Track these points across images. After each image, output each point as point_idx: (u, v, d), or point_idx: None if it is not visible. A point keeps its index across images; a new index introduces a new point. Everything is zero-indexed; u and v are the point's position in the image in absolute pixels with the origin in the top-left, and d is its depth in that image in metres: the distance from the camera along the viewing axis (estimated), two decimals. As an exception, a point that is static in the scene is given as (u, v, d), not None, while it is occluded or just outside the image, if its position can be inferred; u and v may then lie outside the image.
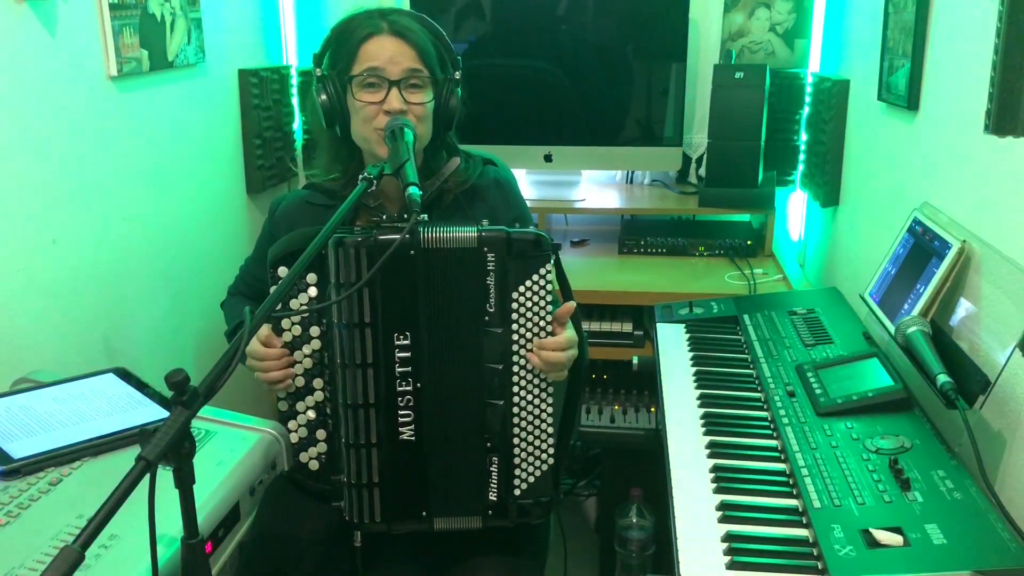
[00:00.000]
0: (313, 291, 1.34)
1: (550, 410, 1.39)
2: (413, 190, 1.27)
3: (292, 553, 1.46)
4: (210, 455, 1.29)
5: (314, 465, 1.39)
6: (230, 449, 1.31)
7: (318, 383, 1.38)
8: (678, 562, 1.13)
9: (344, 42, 1.47)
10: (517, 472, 1.39)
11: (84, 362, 1.74)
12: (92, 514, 0.83)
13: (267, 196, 2.65)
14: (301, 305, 1.34)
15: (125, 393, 1.44)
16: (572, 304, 1.37)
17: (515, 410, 1.38)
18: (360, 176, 1.29)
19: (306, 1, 2.71)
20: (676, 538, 1.17)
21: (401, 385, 1.35)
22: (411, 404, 1.35)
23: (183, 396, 0.92)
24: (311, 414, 1.38)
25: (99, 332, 1.83)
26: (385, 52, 1.44)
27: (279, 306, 1.30)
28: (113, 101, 1.85)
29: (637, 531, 2.08)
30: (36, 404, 1.38)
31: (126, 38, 1.84)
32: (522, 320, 1.35)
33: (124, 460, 1.25)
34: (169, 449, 0.91)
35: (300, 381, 1.38)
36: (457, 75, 1.49)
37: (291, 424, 1.39)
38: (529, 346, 1.35)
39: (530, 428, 1.38)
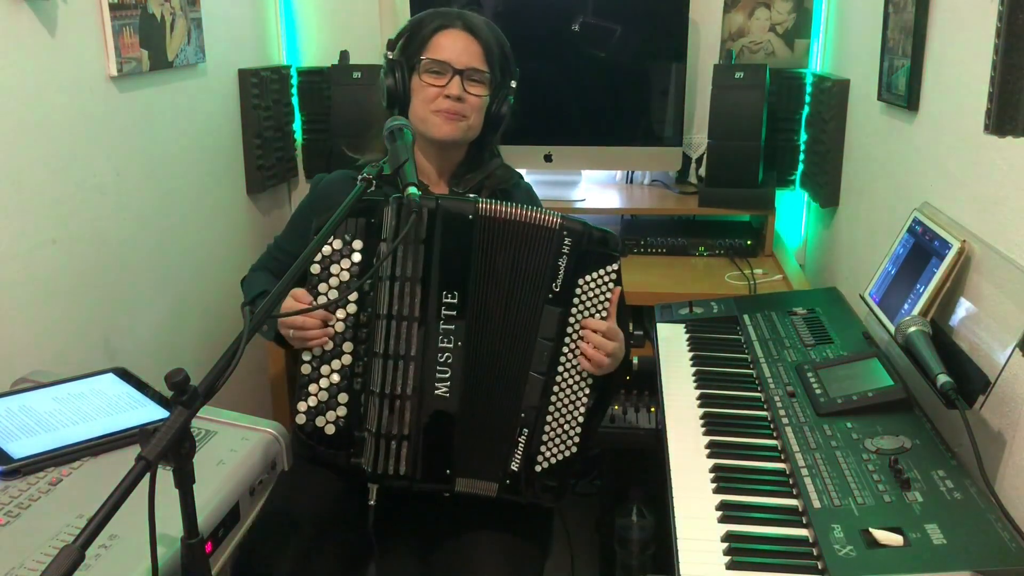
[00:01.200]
0: (357, 257, 1.38)
1: (586, 399, 1.43)
2: (412, 190, 1.30)
3: (302, 531, 1.45)
4: (210, 455, 1.29)
5: (330, 429, 1.39)
6: (230, 449, 1.31)
7: (347, 347, 1.39)
8: (678, 562, 1.13)
9: (419, 31, 1.59)
10: (543, 449, 1.42)
11: (84, 362, 1.74)
12: (92, 514, 0.83)
13: (267, 196, 2.65)
14: (343, 270, 1.38)
15: (125, 393, 1.44)
16: (618, 290, 1.43)
17: (555, 388, 1.41)
18: (359, 176, 1.32)
19: (306, 1, 2.72)
20: (676, 538, 1.17)
21: (443, 342, 1.38)
22: (450, 361, 1.39)
23: (183, 396, 0.92)
24: (335, 377, 1.39)
25: (99, 332, 1.83)
26: (456, 44, 1.56)
27: (317, 271, 1.37)
28: (113, 101, 1.85)
29: (637, 531, 2.08)
30: (36, 404, 1.38)
31: (126, 38, 1.84)
32: (581, 306, 1.41)
33: (124, 460, 1.26)
34: (169, 449, 0.91)
35: (329, 344, 1.39)
36: (513, 84, 1.62)
37: (311, 388, 1.39)
38: (583, 332, 1.41)
39: (564, 411, 1.42)
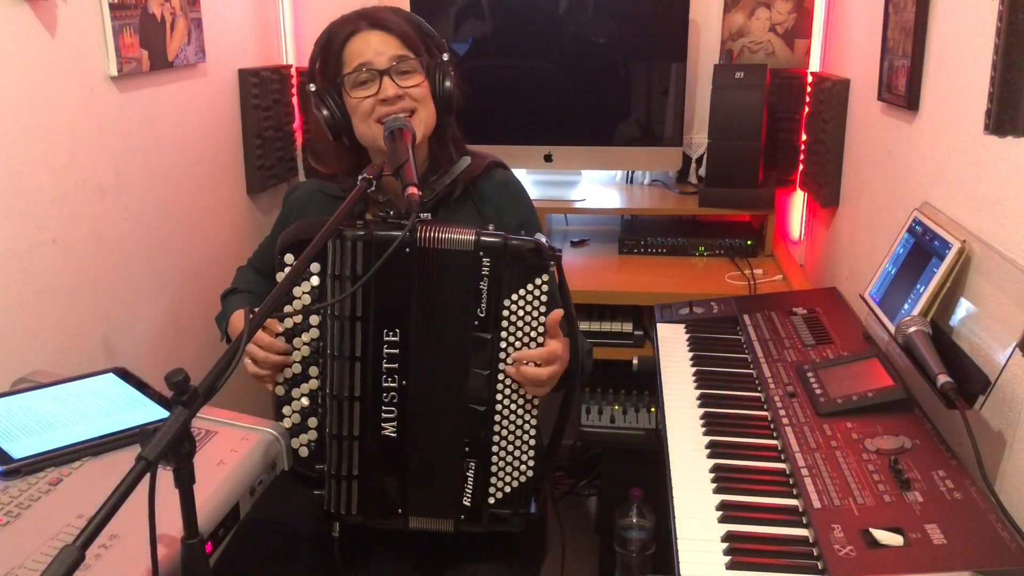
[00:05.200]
0: (315, 280, 1.35)
1: (533, 422, 1.37)
2: (413, 191, 1.28)
3: (281, 543, 1.46)
4: (210, 455, 1.29)
5: (304, 452, 1.40)
6: (230, 449, 1.31)
7: (314, 371, 1.38)
8: (678, 562, 1.13)
9: (329, 48, 1.49)
10: (493, 480, 1.38)
11: (84, 362, 1.74)
12: (92, 514, 0.83)
13: (267, 196, 2.65)
14: (303, 293, 1.36)
15: (125, 393, 1.44)
16: (559, 312, 1.33)
17: (497, 418, 1.36)
18: (360, 176, 1.30)
19: (306, 1, 2.71)
20: (676, 538, 1.17)
21: (387, 381, 1.35)
22: (395, 401, 1.35)
23: (183, 396, 0.92)
24: (305, 401, 1.39)
25: (99, 332, 1.83)
26: (370, 46, 1.46)
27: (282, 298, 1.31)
28: (113, 101, 1.85)
29: (637, 531, 2.08)
30: (36, 404, 1.38)
31: (126, 38, 1.84)
32: (512, 328, 1.33)
33: (124, 460, 1.26)
34: (169, 449, 0.91)
35: (297, 368, 1.38)
36: (445, 57, 1.51)
37: (285, 409, 1.40)
38: (514, 364, 1.34)
39: (511, 438, 1.37)
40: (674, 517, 1.22)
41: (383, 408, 1.36)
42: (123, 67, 1.84)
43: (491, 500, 1.38)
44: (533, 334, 1.34)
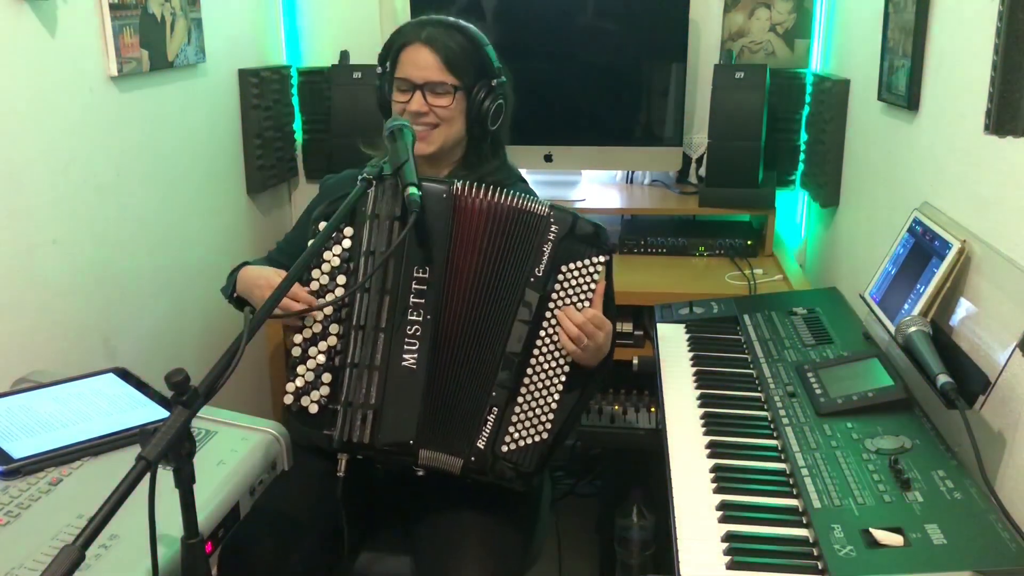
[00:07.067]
0: (347, 243, 1.41)
1: (560, 386, 1.44)
2: (412, 190, 1.32)
3: (284, 532, 1.47)
4: (210, 455, 1.29)
5: (314, 408, 1.41)
6: (230, 449, 1.31)
7: (334, 328, 1.42)
8: (678, 562, 1.13)
9: (391, 48, 1.64)
10: (511, 430, 1.43)
11: (84, 362, 1.74)
12: (92, 514, 0.83)
13: (267, 196, 2.65)
14: (334, 256, 1.41)
15: (125, 393, 1.44)
16: (603, 284, 1.44)
17: (528, 371, 1.43)
18: (360, 176, 1.33)
19: (306, 1, 2.72)
20: (676, 538, 1.17)
21: (411, 315, 1.40)
22: (418, 333, 1.41)
23: (183, 396, 0.92)
24: (321, 358, 1.41)
25: (99, 332, 1.83)
26: (415, 61, 1.58)
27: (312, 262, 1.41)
28: (113, 101, 1.85)
29: (637, 531, 2.08)
30: (36, 404, 1.38)
31: (126, 38, 1.84)
32: (562, 292, 1.43)
33: (124, 460, 1.25)
34: (169, 449, 0.91)
35: (318, 328, 1.42)
36: (494, 82, 1.61)
37: (300, 369, 1.42)
38: (559, 316, 1.42)
39: (536, 394, 1.43)
40: (674, 517, 1.22)
41: (406, 340, 1.41)
42: (123, 67, 1.84)
43: (504, 448, 1.42)
44: (579, 304, 1.43)
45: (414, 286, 1.41)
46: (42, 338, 1.66)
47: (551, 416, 1.43)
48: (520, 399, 1.43)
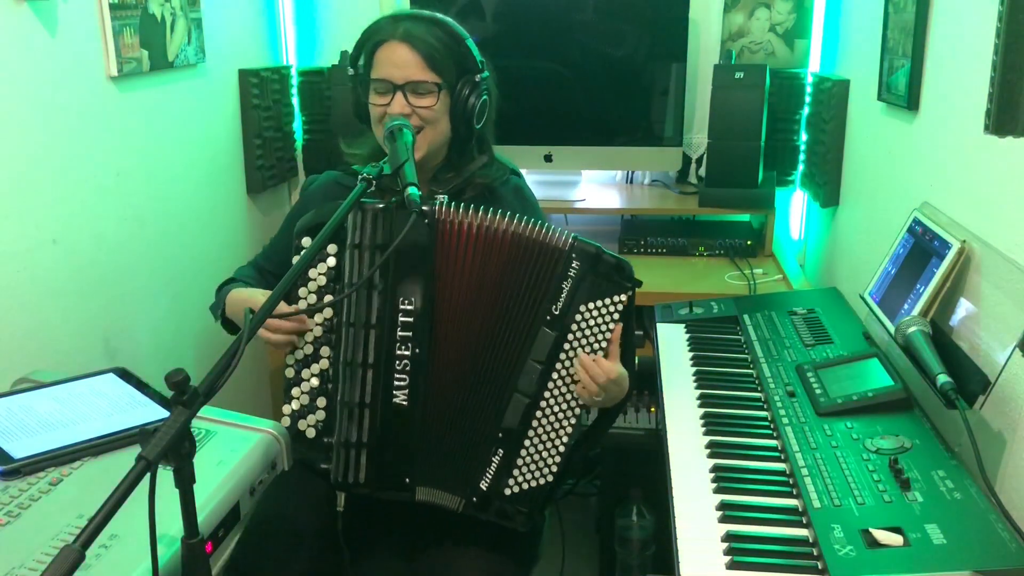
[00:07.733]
0: (332, 261, 1.37)
1: (570, 429, 1.38)
2: (412, 190, 1.30)
3: (284, 538, 1.46)
4: (210, 455, 1.29)
5: (311, 433, 1.40)
6: (230, 449, 1.31)
7: (325, 351, 1.39)
8: (678, 562, 1.13)
9: (364, 47, 1.53)
10: (515, 474, 1.39)
11: (84, 362, 1.74)
12: (92, 514, 0.83)
13: (267, 196, 2.65)
14: (319, 275, 1.37)
15: (125, 393, 1.44)
16: (620, 327, 1.36)
17: (538, 413, 1.37)
18: (359, 176, 1.31)
19: (306, 1, 2.72)
20: (676, 538, 1.17)
21: (400, 349, 1.35)
22: (407, 369, 1.36)
23: (183, 396, 0.92)
24: (315, 381, 1.39)
25: (99, 332, 1.83)
26: (393, 60, 1.48)
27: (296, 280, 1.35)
28: (113, 101, 1.85)
29: (637, 531, 2.08)
30: (36, 404, 1.38)
31: (126, 38, 1.84)
32: (579, 333, 1.36)
33: (124, 460, 1.26)
34: (169, 449, 0.91)
35: (308, 349, 1.39)
36: (478, 78, 1.52)
37: (294, 391, 1.40)
38: (577, 360, 1.36)
39: (545, 438, 1.38)
40: (674, 517, 1.22)
41: (396, 376, 1.36)
42: (123, 67, 1.84)
43: (507, 492, 1.39)
44: (597, 345, 1.36)
45: (400, 318, 1.34)
46: (42, 338, 1.65)
47: (558, 459, 1.39)
48: (527, 442, 1.37)
